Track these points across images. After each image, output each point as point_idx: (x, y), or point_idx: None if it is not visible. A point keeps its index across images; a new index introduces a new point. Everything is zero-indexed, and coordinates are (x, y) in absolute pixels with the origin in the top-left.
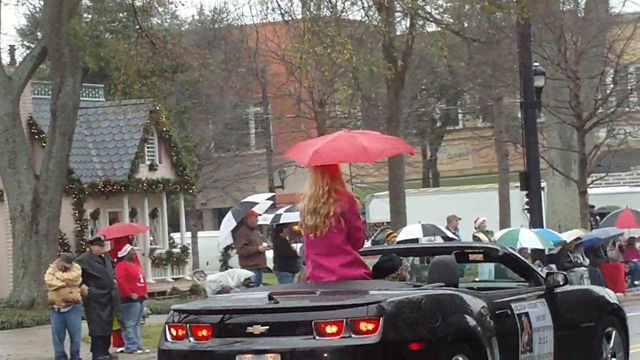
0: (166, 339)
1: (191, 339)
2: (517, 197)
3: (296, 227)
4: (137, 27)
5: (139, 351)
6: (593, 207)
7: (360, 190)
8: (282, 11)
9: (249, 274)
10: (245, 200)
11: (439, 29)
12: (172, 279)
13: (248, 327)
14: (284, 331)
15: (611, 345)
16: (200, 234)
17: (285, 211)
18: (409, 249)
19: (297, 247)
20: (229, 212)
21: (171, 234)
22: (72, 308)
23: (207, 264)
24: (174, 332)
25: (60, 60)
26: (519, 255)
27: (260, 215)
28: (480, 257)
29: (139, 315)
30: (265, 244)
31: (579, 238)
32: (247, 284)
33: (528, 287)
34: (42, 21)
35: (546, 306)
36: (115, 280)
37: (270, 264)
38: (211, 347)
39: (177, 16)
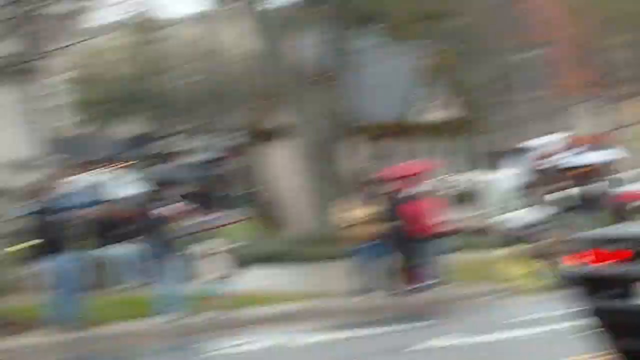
0: (584, 264)
1: (609, 263)
2: None
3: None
4: None
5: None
6: None
7: None
8: None
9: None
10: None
11: None
12: (468, 217)
13: None
14: None
15: None
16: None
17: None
18: None
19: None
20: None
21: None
22: (374, 244)
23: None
24: (593, 257)
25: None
26: None
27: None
28: None
29: (436, 254)
30: None
31: None
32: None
33: None
34: None
35: None
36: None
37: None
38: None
39: None
